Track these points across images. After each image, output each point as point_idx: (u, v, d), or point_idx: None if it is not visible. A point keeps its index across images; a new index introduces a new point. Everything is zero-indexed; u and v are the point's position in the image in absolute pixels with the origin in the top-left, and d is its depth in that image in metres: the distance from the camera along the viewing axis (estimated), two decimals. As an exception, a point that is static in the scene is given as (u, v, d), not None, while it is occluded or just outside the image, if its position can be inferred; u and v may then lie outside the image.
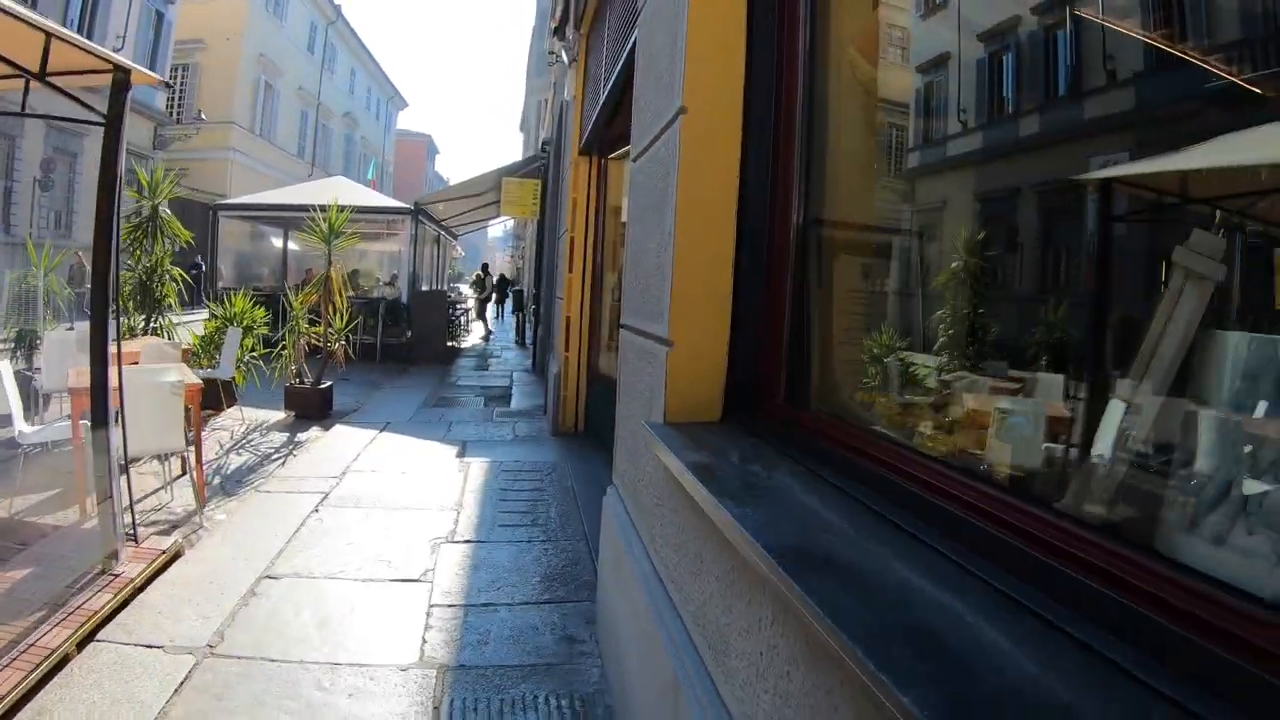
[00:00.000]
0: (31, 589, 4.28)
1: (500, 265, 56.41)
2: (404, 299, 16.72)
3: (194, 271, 24.17)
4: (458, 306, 21.41)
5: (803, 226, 2.52)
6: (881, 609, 1.25)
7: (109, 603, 4.16)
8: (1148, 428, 1.51)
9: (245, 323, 9.88)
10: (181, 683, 3.51)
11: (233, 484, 6.66)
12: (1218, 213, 1.47)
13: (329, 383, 9.96)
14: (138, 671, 3.61)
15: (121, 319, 9.36)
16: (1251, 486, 1.28)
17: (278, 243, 20.09)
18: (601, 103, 6.70)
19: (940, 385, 2.07)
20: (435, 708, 3.39)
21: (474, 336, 22.92)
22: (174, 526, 5.55)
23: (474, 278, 30.10)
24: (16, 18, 3.80)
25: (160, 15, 27.25)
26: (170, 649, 3.82)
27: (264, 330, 10.32)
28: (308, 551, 5.05)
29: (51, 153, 21.93)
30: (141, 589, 4.46)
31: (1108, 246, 1.61)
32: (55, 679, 3.51)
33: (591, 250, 8.74)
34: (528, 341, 19.91)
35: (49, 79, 4.43)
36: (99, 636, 3.92)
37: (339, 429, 8.95)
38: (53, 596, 4.16)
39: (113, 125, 4.52)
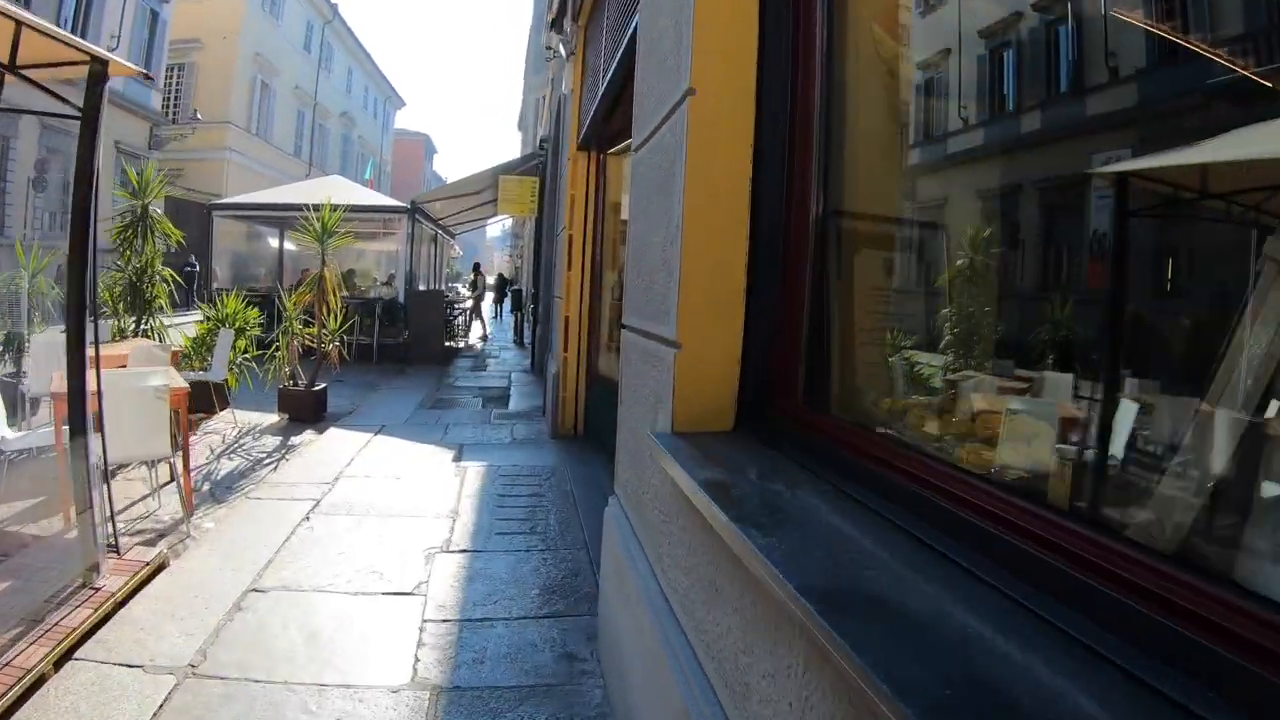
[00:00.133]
0: (9, 603, 4.08)
1: (498, 265, 56.27)
2: (401, 299, 16.51)
3: (187, 270, 24.12)
4: (455, 306, 21.22)
5: (822, 218, 2.32)
6: (944, 667, 1.04)
7: (89, 618, 3.96)
8: (1233, 444, 1.31)
9: (238, 324, 9.69)
10: (160, 706, 3.31)
11: (222, 490, 6.46)
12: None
13: (323, 385, 9.76)
14: (116, 693, 3.41)
15: (111, 320, 9.36)
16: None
17: (274, 243, 19.91)
18: (600, 95, 6.50)
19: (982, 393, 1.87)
20: (428, 733, 3.21)
21: (472, 336, 22.71)
22: (160, 536, 5.35)
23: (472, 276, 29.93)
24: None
25: (155, 14, 27.02)
26: (150, 668, 3.62)
27: (257, 331, 10.12)
28: (297, 562, 4.84)
29: (45, 153, 21.68)
30: (124, 603, 4.26)
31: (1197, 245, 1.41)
32: (30, 700, 3.32)
33: (591, 248, 8.54)
34: (526, 341, 19.73)
35: (21, 71, 4.23)
36: (77, 654, 3.72)
37: (333, 432, 8.74)
38: (31, 611, 3.96)
39: (89, 119, 4.32)
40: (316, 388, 9.60)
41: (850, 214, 2.39)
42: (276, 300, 10.31)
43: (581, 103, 8.36)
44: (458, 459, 7.67)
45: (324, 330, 9.58)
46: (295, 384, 9.53)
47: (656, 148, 2.82)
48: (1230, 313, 1.32)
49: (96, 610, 4.05)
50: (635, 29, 3.69)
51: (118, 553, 4.70)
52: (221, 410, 9.23)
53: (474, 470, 7.19)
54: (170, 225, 9.71)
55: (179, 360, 8.33)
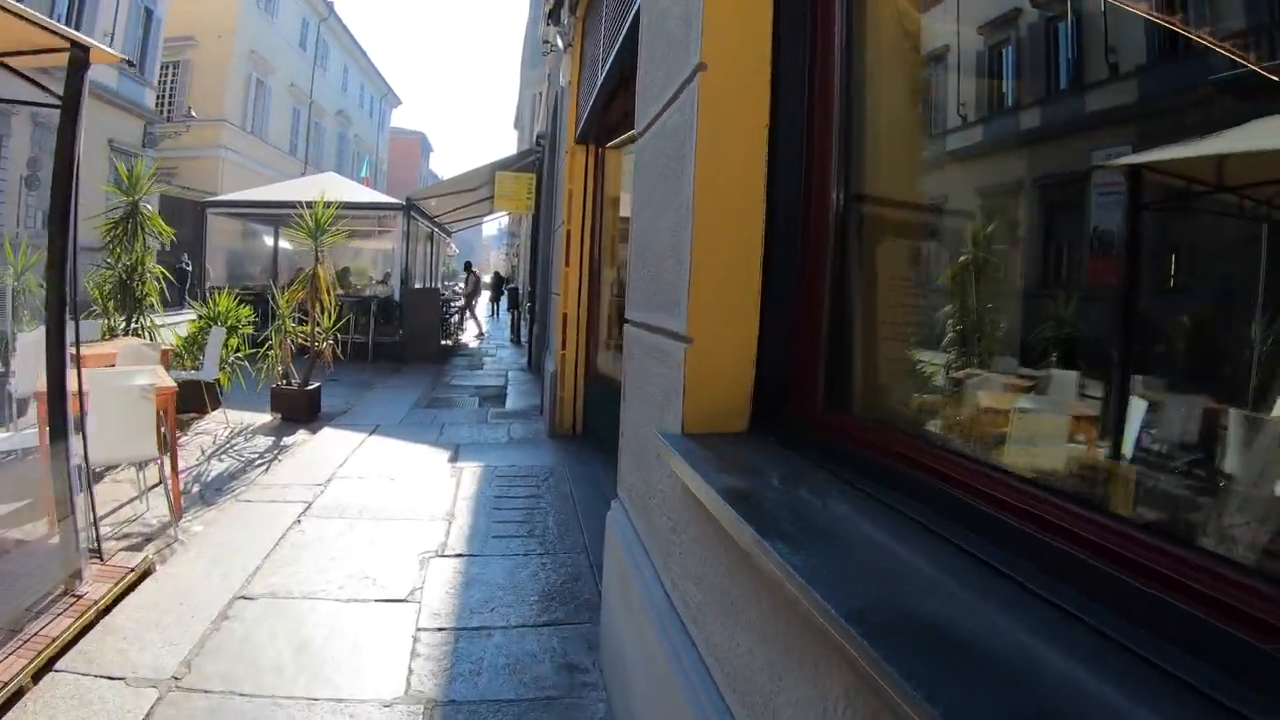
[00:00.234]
0: (-12, 612, 3.93)
1: (494, 263, 56.14)
2: (396, 297, 16.34)
3: (180, 269, 23.92)
4: (452, 305, 21.07)
5: (844, 202, 2.15)
6: (1027, 712, 0.88)
7: (70, 628, 3.79)
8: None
9: (230, 322, 9.51)
10: (141, 721, 3.15)
11: (212, 492, 6.28)
12: None
13: (317, 384, 9.58)
14: (96, 708, 3.25)
15: (101, 319, 9.19)
16: None
17: (269, 241, 19.75)
18: (599, 85, 6.32)
19: (1024, 389, 1.70)
20: (422, 751, 3.04)
21: (468, 335, 22.52)
22: (147, 540, 5.18)
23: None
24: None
25: (149, 12, 26.82)
26: (132, 681, 3.46)
27: (249, 330, 9.96)
28: (287, 567, 4.67)
29: (38, 151, 21.45)
30: (107, 611, 4.10)
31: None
32: (7, 715, 3.16)
33: (589, 243, 8.37)
34: (523, 340, 19.58)
35: (-2, 58, 4.07)
36: (58, 666, 3.55)
37: (326, 432, 8.57)
38: (10, 621, 3.79)
39: (70, 108, 4.14)
40: (310, 387, 9.43)
41: (875, 199, 2.22)
42: (270, 298, 10.16)
43: (579, 95, 8.18)
44: (453, 459, 7.50)
45: (317, 329, 9.41)
46: (288, 383, 9.36)
47: (663, 130, 2.65)
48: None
49: (78, 619, 3.88)
50: (638, 8, 3.52)
51: (101, 559, 4.53)
52: (213, 410, 9.05)
53: (470, 471, 7.01)
54: (161, 223, 9.53)
55: (170, 359, 8.16)
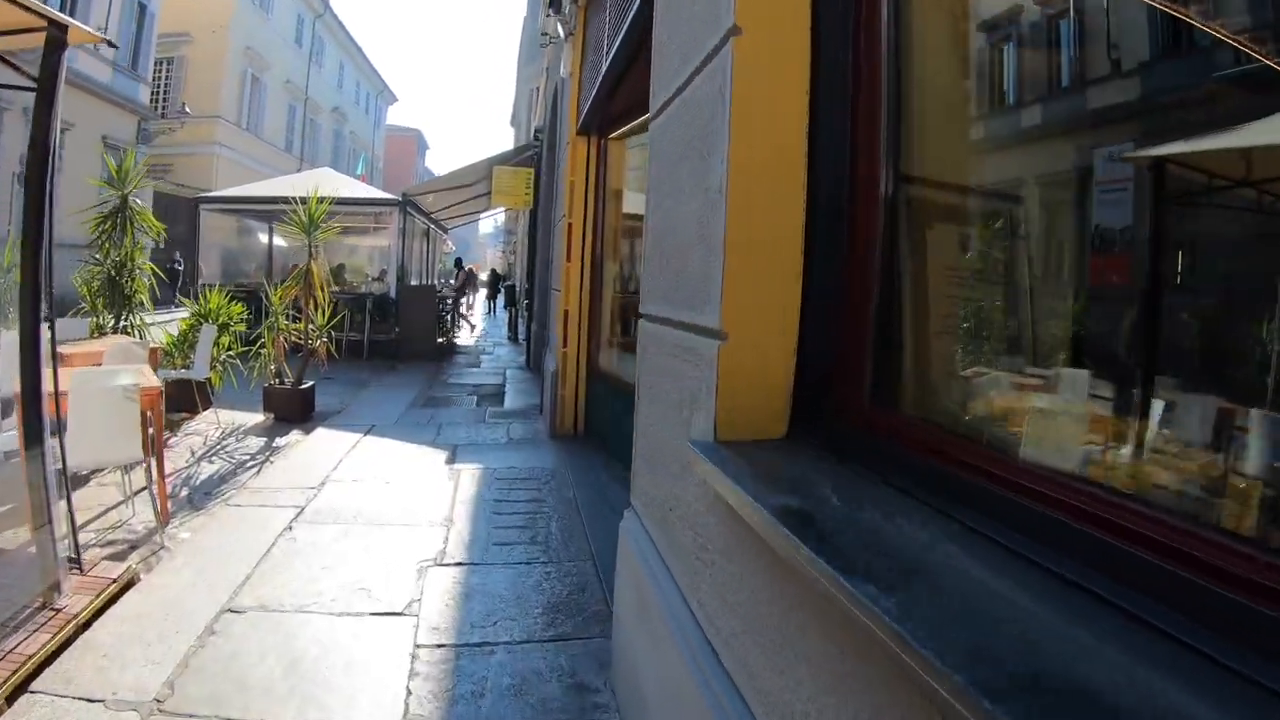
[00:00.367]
0: (-39, 629, 3.69)
1: (491, 260, 55.97)
2: (392, 294, 16.09)
3: (172, 267, 23.66)
4: (448, 302, 20.84)
5: (893, 182, 1.92)
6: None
7: (47, 644, 3.55)
8: None
9: (221, 320, 9.26)
10: (117, 750, 2.92)
11: (201, 496, 6.04)
12: None
13: (310, 383, 9.32)
14: (72, 733, 3.02)
15: (90, 317, 8.93)
16: None
17: (264, 238, 19.49)
18: (603, 73, 6.08)
19: (1121, 393, 1.47)
20: (421, 784, 2.80)
21: (465, 333, 22.28)
22: (132, 547, 4.93)
23: (467, 273, 29.62)
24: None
25: (143, 7, 26.59)
26: (112, 703, 3.21)
27: (241, 327, 9.70)
28: (278, 578, 4.42)
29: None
30: (87, 625, 3.85)
31: None
32: (-24, 742, 2.94)
33: (591, 237, 8.12)
34: (521, 337, 19.35)
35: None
36: (33, 686, 3.31)
37: (320, 432, 8.31)
38: (-16, 637, 3.57)
39: (45, 90, 3.89)
40: (303, 386, 9.17)
41: (929, 178, 1.99)
42: (262, 295, 9.92)
43: (581, 85, 7.94)
44: (451, 461, 7.24)
45: (311, 326, 9.16)
46: (281, 382, 9.10)
47: (686, 106, 2.40)
48: None
49: (56, 635, 3.64)
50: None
51: (80, 569, 4.28)
52: (204, 410, 8.82)
53: (469, 473, 6.76)
54: (151, 218, 9.30)
55: (159, 358, 7.91)
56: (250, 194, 16.90)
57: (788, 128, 1.99)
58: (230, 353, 9.28)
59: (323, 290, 9.20)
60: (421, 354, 15.28)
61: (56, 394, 4.09)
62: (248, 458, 7.23)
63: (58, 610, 3.87)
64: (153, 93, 28.64)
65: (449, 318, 19.25)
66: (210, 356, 8.58)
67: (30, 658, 3.42)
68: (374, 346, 15.13)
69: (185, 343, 9.09)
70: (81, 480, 6.02)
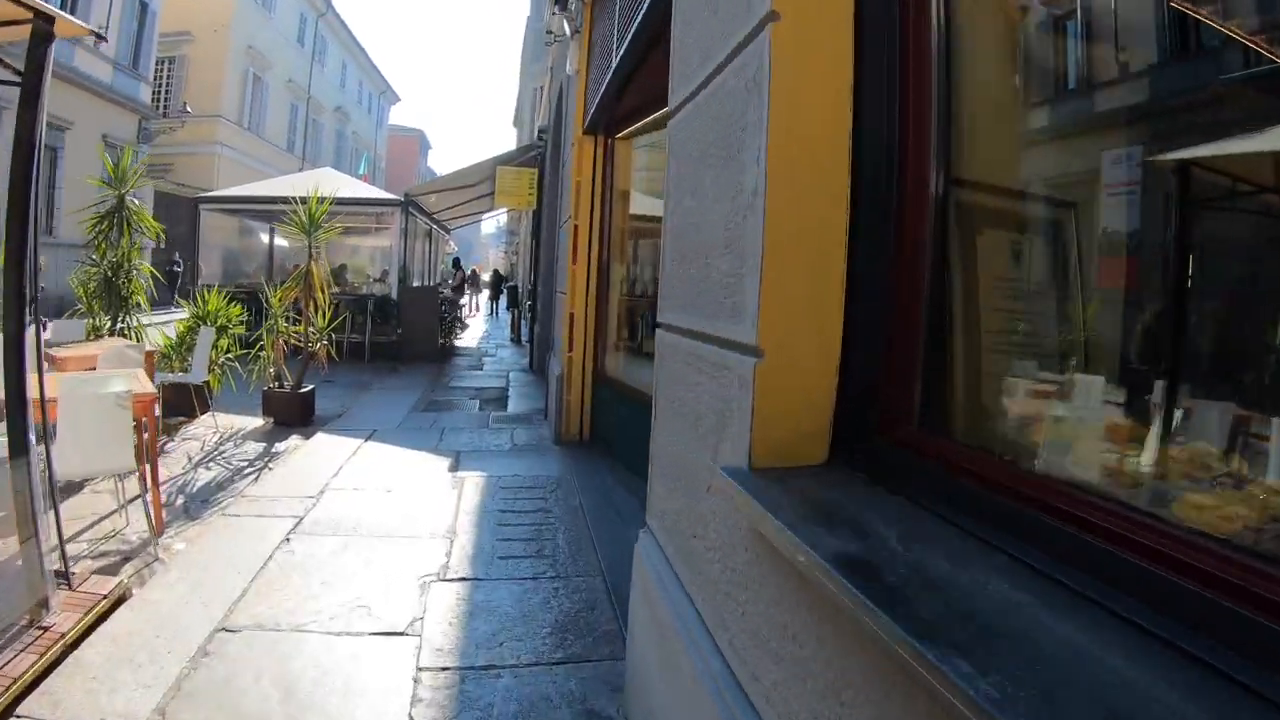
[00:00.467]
0: (-55, 649, 3.52)
1: (493, 261, 55.91)
2: (394, 295, 15.92)
3: (171, 269, 23.50)
4: (450, 303, 20.68)
5: (945, 182, 1.74)
6: None
7: (34, 665, 3.38)
8: None
9: (219, 322, 9.09)
10: (105, 783, 2.75)
11: (197, 505, 5.87)
12: None
13: (310, 386, 9.14)
14: (57, 763, 2.86)
15: (87, 319, 8.77)
16: None
17: (265, 238, 19.32)
18: (612, 71, 5.90)
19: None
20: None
21: (467, 335, 22.10)
22: (125, 559, 4.77)
23: (469, 273, 29.50)
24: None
25: (145, 6, 26.46)
26: (98, 731, 3.05)
27: (240, 330, 9.53)
28: (274, 594, 4.24)
29: (29, 146, 21.02)
30: (76, 644, 3.68)
31: None
32: (-40, 772, 2.78)
33: (598, 239, 7.93)
34: (524, 339, 19.18)
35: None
36: (19, 710, 3.15)
37: (320, 438, 8.12)
38: (-32, 659, 3.41)
39: (30, 86, 3.72)
40: (303, 389, 8.99)
41: (983, 180, 1.81)
42: (262, 297, 9.75)
43: (587, 84, 7.76)
44: (454, 468, 7.05)
45: (311, 328, 8.98)
46: (281, 385, 8.92)
47: (712, 100, 2.22)
48: None
49: (43, 656, 3.47)
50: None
51: (69, 584, 4.11)
52: (202, 414, 8.65)
53: (472, 481, 6.58)
54: (148, 218, 9.12)
55: (155, 361, 7.74)
56: (250, 194, 16.73)
57: (830, 124, 1.81)
58: (229, 355, 9.10)
59: (323, 292, 9.03)
60: (423, 356, 15.12)
61: (43, 400, 3.92)
62: (246, 464, 7.06)
63: (46, 629, 3.70)
64: (154, 92, 28.52)
65: (450, 319, 19.09)
66: (209, 359, 8.41)
67: (16, 680, 3.26)
68: (375, 348, 14.97)
69: (183, 345, 8.92)
70: (75, 488, 5.85)
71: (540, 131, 15.15)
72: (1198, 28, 1.38)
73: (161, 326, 9.73)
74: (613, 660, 3.62)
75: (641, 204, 8.12)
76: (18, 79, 3.72)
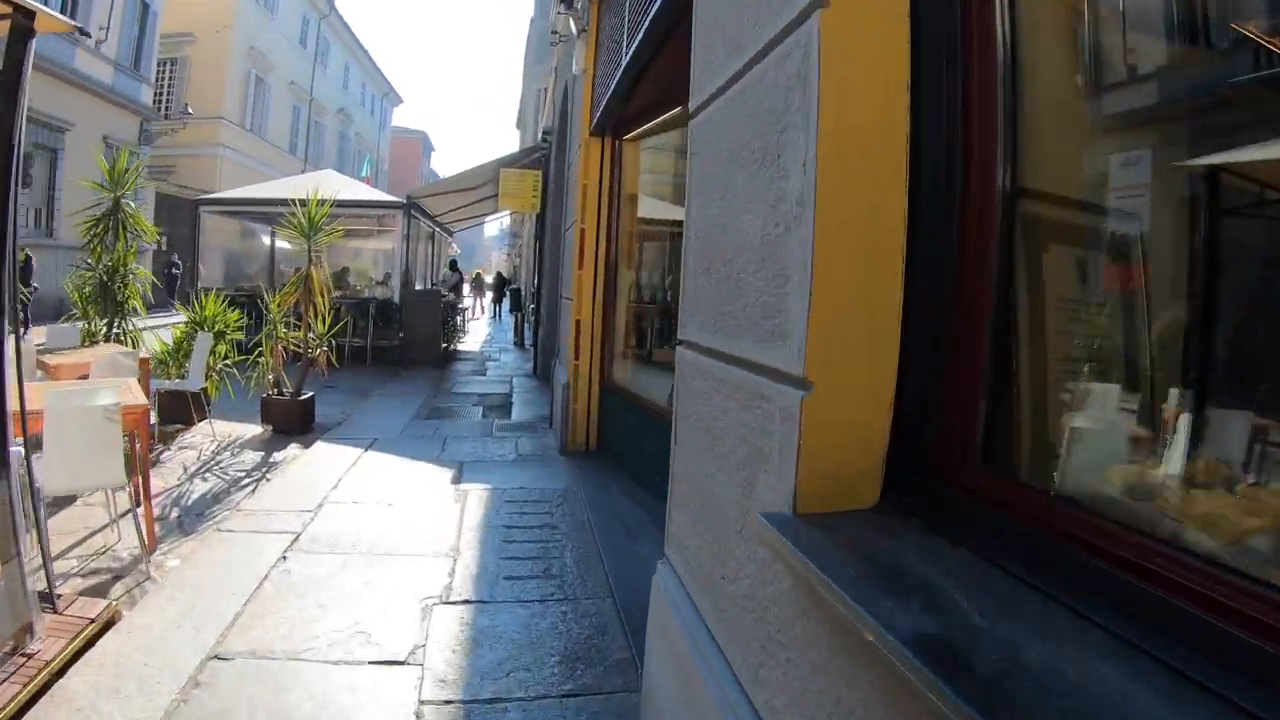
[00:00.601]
0: (-75, 679, 3.33)
1: (496, 264, 55.83)
2: (396, 299, 15.72)
3: (170, 271, 23.36)
4: (457, 307, 20.50)
5: (1012, 190, 1.54)
6: None
7: (16, 697, 3.19)
8: None
9: (217, 327, 8.89)
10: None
11: (192, 519, 5.67)
12: None
13: (310, 393, 8.94)
14: (36, 805, 2.66)
15: (81, 324, 8.58)
16: None
17: (266, 241, 19.14)
18: (622, 69, 5.70)
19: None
20: None
21: (469, 338, 21.91)
22: (116, 577, 4.58)
23: (473, 276, 29.33)
24: None
25: (146, 6, 26.33)
26: (82, 768, 2.86)
27: (239, 335, 9.33)
28: (269, 618, 4.04)
29: (30, 148, 20.89)
30: (63, 671, 3.48)
31: None
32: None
33: (605, 243, 7.71)
34: (527, 343, 18.98)
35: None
36: (0, 744, 2.98)
37: (320, 446, 7.90)
38: (-52, 689, 3.22)
39: (9, 82, 3.52)
40: (303, 396, 8.79)
41: (1057, 191, 1.60)
42: (260, 301, 9.55)
43: (595, 84, 7.56)
44: (457, 480, 6.83)
45: (310, 334, 8.78)
46: (280, 392, 8.72)
47: (747, 95, 2.01)
48: None
49: (27, 686, 3.29)
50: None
51: (54, 608, 3.92)
52: (199, 421, 8.45)
53: (476, 494, 6.36)
54: (144, 220, 8.94)
55: (150, 367, 7.54)
56: (250, 195, 16.54)
57: (886, 125, 1.60)
58: (227, 361, 8.91)
59: (323, 296, 8.83)
60: (426, 360, 14.94)
61: (23, 412, 3.72)
62: (243, 474, 6.87)
63: (29, 655, 3.52)
64: (156, 93, 28.36)
65: (453, 324, 18.91)
66: (206, 366, 8.21)
67: (0, 710, 3.08)
68: (377, 352, 14.81)
69: (180, 352, 8.73)
70: (66, 501, 5.66)
71: (544, 133, 14.97)
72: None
73: (159, 331, 9.55)
74: (626, 692, 3.42)
75: (651, 208, 7.92)
76: (-4, 76, 3.52)
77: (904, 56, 1.61)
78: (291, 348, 8.88)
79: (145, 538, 4.90)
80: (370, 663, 3.64)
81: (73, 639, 3.69)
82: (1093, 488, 1.44)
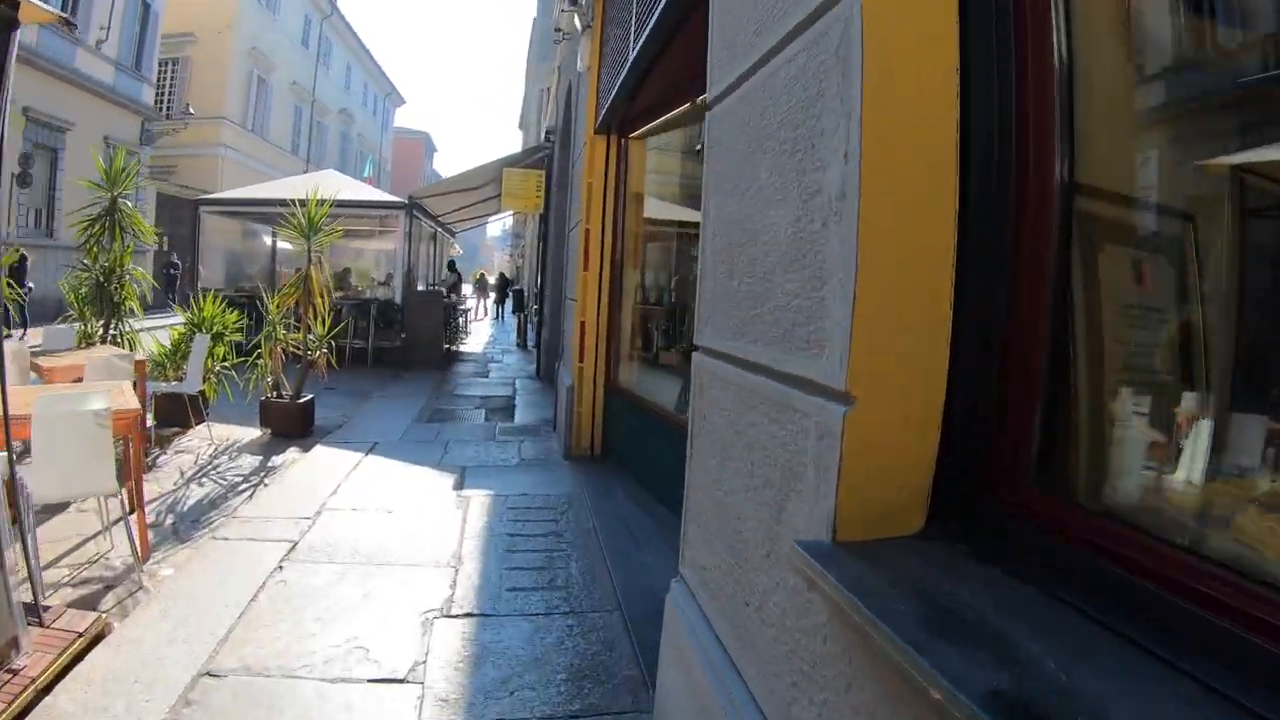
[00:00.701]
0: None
1: (499, 264, 55.76)
2: (398, 299, 15.58)
3: (169, 271, 23.25)
4: (457, 308, 20.34)
5: (1071, 186, 1.39)
6: None
7: (2, 715, 3.05)
8: None
9: (215, 329, 8.75)
10: None
11: (187, 525, 5.52)
12: None
13: (310, 395, 8.78)
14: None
15: (78, 325, 8.44)
16: None
17: (267, 241, 19.01)
18: (629, 65, 5.55)
19: None
20: None
21: (472, 339, 21.75)
22: (108, 587, 4.43)
23: (476, 277, 29.19)
24: None
25: (147, 6, 26.25)
26: (66, 793, 2.71)
27: (237, 337, 9.19)
28: (264, 631, 3.89)
29: (30, 148, 20.76)
30: (49, 689, 3.33)
31: None
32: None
33: (611, 244, 7.55)
34: (530, 344, 18.84)
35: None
36: (-17, 766, 2.84)
37: (319, 450, 7.76)
38: (-69, 707, 3.08)
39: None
40: (302, 399, 8.63)
41: (1121, 188, 1.45)
42: (260, 302, 9.41)
43: (600, 81, 7.40)
44: (459, 486, 6.68)
45: (310, 336, 8.63)
46: (279, 395, 8.57)
47: (774, 80, 1.85)
48: None
49: (11, 704, 3.13)
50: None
51: (41, 621, 3.77)
52: (197, 424, 8.30)
53: (478, 501, 6.21)
54: (141, 220, 8.79)
55: (146, 369, 7.39)
56: (251, 196, 16.41)
57: (934, 113, 1.45)
58: (225, 364, 8.76)
59: (323, 298, 8.67)
60: (427, 361, 14.82)
61: (6, 417, 3.57)
62: (240, 479, 6.72)
63: (15, 672, 3.37)
64: (157, 93, 28.26)
65: (455, 325, 18.77)
66: (204, 368, 8.06)
67: (-19, 731, 2.96)
68: (379, 354, 14.68)
69: (177, 353, 8.59)
70: (59, 507, 5.51)
71: (548, 133, 14.83)
72: None
73: (156, 332, 9.40)
74: (635, 713, 3.27)
75: (657, 207, 7.77)
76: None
77: (952, 37, 1.46)
78: (291, 349, 8.74)
79: (138, 546, 4.75)
80: (368, 680, 3.49)
81: (60, 654, 3.54)
82: (1171, 515, 1.29)
